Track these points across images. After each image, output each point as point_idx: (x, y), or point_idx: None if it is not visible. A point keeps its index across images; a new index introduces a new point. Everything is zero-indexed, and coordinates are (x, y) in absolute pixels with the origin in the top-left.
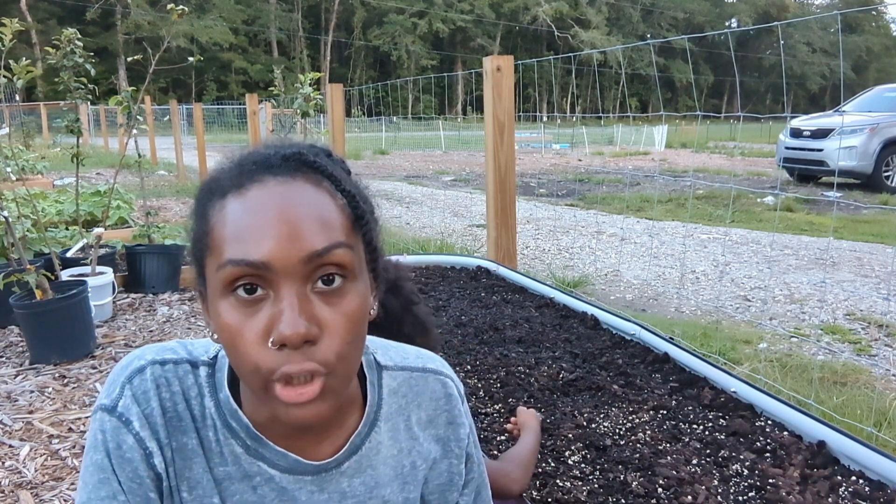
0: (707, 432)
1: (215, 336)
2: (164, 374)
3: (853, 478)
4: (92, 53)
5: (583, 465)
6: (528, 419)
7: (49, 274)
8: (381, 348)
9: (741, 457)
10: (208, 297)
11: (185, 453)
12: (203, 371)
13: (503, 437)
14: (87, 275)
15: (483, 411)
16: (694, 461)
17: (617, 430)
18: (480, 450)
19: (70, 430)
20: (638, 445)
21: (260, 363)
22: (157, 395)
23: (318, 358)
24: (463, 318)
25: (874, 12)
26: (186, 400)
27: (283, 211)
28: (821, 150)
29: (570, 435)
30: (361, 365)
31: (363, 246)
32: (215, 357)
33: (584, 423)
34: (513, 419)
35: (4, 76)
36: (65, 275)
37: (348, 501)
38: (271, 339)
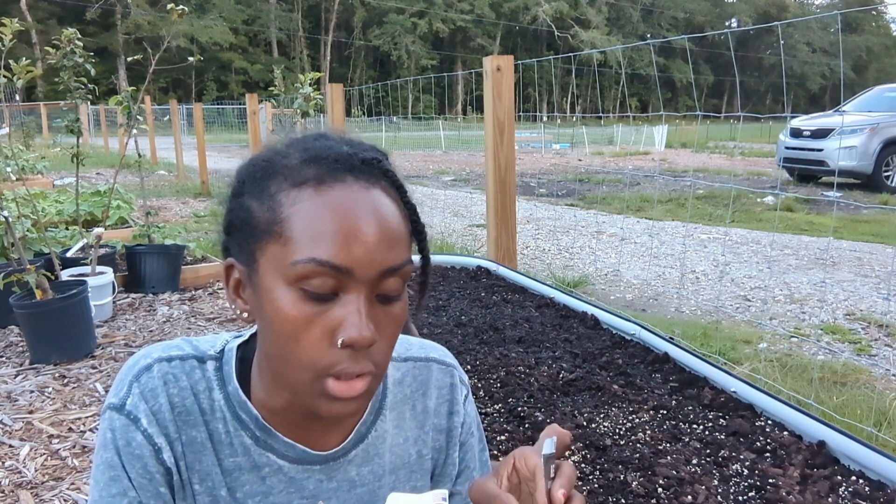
0: (707, 432)
1: (246, 315)
2: (171, 371)
3: (853, 478)
4: (92, 53)
5: (583, 465)
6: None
7: (49, 274)
8: None
9: (741, 457)
10: (259, 280)
11: (194, 446)
12: (210, 365)
13: (503, 437)
14: (87, 275)
15: (483, 411)
16: (694, 461)
17: (617, 430)
18: (485, 443)
19: (70, 429)
20: (638, 445)
21: (321, 359)
22: (165, 391)
23: (373, 359)
24: (463, 318)
25: (874, 12)
26: (195, 394)
27: (369, 220)
28: (821, 150)
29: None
30: None
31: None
32: (222, 351)
33: (584, 423)
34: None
35: (4, 76)
36: (65, 275)
37: (357, 490)
38: (340, 340)
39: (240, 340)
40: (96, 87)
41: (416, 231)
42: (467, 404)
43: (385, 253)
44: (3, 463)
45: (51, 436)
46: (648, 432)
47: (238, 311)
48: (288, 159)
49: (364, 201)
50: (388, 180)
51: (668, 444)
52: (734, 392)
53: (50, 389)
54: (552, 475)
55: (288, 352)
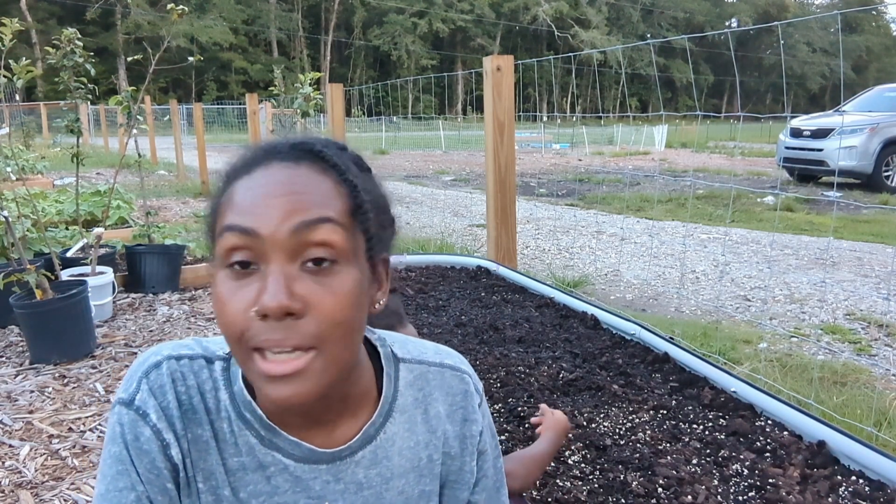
0: (707, 432)
1: None
2: (179, 369)
3: (853, 478)
4: (92, 53)
5: (583, 465)
6: (553, 424)
7: (49, 274)
8: (399, 342)
9: (741, 457)
10: (214, 274)
11: (199, 445)
12: (218, 365)
13: (503, 437)
14: (87, 275)
15: None
16: (694, 461)
17: (617, 430)
18: (499, 450)
19: (70, 429)
20: (638, 445)
21: (242, 330)
22: (173, 388)
23: (301, 332)
24: (463, 318)
25: (874, 12)
26: (201, 393)
27: (279, 187)
28: (821, 150)
29: (570, 435)
30: (379, 357)
31: (361, 234)
32: (230, 352)
33: (584, 423)
34: (537, 417)
35: (4, 76)
36: (65, 275)
37: (364, 492)
38: (254, 309)
39: None
40: (96, 87)
41: (356, 206)
42: (482, 411)
43: (294, 212)
44: (3, 463)
45: (51, 436)
46: (648, 432)
47: None
48: (236, 163)
49: (280, 175)
50: (320, 160)
51: (668, 444)
52: (734, 392)
53: (50, 389)
54: None
55: (222, 329)
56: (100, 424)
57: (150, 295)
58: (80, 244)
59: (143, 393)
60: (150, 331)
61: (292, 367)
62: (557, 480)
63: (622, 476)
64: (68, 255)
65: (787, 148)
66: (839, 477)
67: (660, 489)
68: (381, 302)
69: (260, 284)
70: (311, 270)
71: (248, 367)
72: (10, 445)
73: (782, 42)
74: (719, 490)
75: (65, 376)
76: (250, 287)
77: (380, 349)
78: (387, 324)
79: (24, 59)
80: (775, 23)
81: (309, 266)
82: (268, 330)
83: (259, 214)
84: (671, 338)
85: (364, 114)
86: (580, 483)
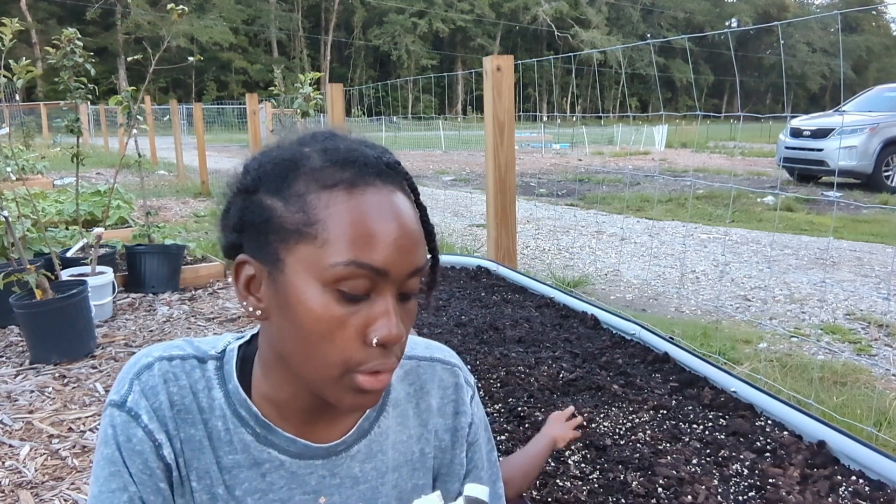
0: (707, 432)
1: (258, 312)
2: (171, 370)
3: (853, 478)
4: (92, 53)
5: (583, 465)
6: (549, 429)
7: (49, 274)
8: None
9: (741, 457)
10: (286, 279)
11: (192, 444)
12: (211, 365)
13: (503, 437)
14: (87, 275)
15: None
16: (694, 461)
17: (617, 430)
18: (493, 444)
19: (70, 429)
20: (638, 445)
21: (353, 356)
22: (166, 389)
23: (397, 355)
24: (463, 317)
25: (874, 12)
26: (193, 393)
27: (401, 223)
28: (821, 150)
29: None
30: None
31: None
32: (223, 351)
33: (584, 423)
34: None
35: (4, 76)
36: (65, 275)
37: (360, 486)
38: (375, 339)
39: (241, 341)
40: (96, 87)
41: (427, 231)
42: (474, 405)
43: (413, 254)
44: (3, 463)
45: (51, 436)
46: (648, 432)
47: (250, 308)
48: (311, 160)
49: (393, 205)
50: (406, 183)
51: (668, 444)
52: (734, 392)
53: (50, 389)
54: None
55: (318, 350)
56: (99, 425)
57: (150, 295)
58: (80, 244)
59: (134, 394)
60: (150, 331)
61: (385, 381)
62: (557, 480)
63: (622, 476)
64: (68, 255)
65: (787, 148)
66: (839, 477)
67: (660, 489)
68: None
69: (369, 312)
70: (403, 299)
71: (339, 382)
72: (10, 445)
73: (782, 42)
74: (719, 490)
75: (65, 376)
76: (362, 314)
77: None
78: None
79: (24, 59)
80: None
81: (404, 297)
82: (380, 356)
83: (391, 256)
84: (671, 338)
85: (364, 114)
86: (580, 483)
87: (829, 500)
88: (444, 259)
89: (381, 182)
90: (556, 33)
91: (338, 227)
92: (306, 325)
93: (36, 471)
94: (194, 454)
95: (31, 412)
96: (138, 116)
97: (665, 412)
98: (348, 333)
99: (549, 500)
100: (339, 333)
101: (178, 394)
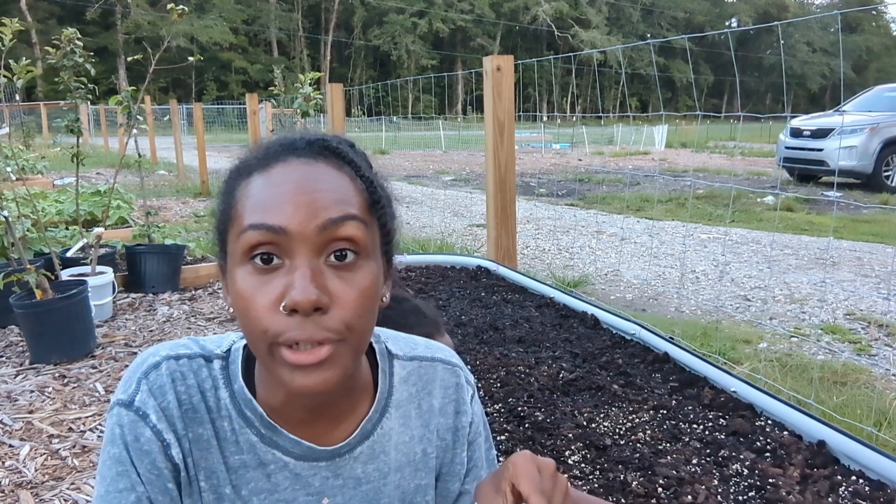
0: (707, 432)
1: (231, 310)
2: (178, 369)
3: (853, 478)
4: (92, 53)
5: (583, 465)
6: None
7: (49, 274)
8: (392, 338)
9: (741, 457)
10: (228, 269)
11: (200, 444)
12: (217, 364)
13: (503, 437)
14: (87, 274)
15: (483, 411)
16: (694, 461)
17: (617, 430)
18: (492, 442)
19: (70, 429)
20: (638, 445)
21: (269, 327)
22: (173, 388)
23: (327, 326)
24: (463, 317)
25: (874, 12)
26: (201, 392)
27: (303, 184)
28: (821, 150)
29: (570, 435)
30: (374, 353)
31: (378, 229)
32: (228, 350)
33: (584, 423)
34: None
35: (4, 76)
36: (65, 274)
37: (363, 487)
38: (283, 304)
39: (245, 340)
40: (96, 87)
41: (374, 202)
42: (474, 404)
43: (321, 210)
44: (3, 463)
45: (51, 436)
46: (648, 432)
47: (228, 308)
48: (248, 158)
49: (301, 171)
50: (336, 156)
51: (668, 444)
52: (734, 392)
53: (50, 389)
54: None
55: (245, 325)
56: (100, 424)
57: (150, 295)
58: (80, 244)
59: (142, 394)
60: (150, 331)
61: (319, 355)
62: None
63: (622, 476)
64: (68, 255)
65: (787, 148)
66: (839, 477)
67: (660, 489)
68: (387, 297)
69: (286, 280)
70: (334, 265)
71: (272, 359)
72: (10, 445)
73: (782, 42)
74: (719, 490)
75: (65, 376)
76: (275, 283)
77: (374, 345)
78: (426, 332)
79: (24, 59)
80: (775, 23)
81: (332, 261)
82: (296, 325)
83: (286, 212)
84: (671, 338)
85: (364, 114)
86: (580, 483)
87: (829, 500)
88: (444, 259)
89: (294, 157)
90: (556, 33)
91: (243, 203)
92: (237, 305)
93: (36, 471)
94: (202, 454)
95: (31, 412)
96: (138, 116)
97: (665, 412)
98: (262, 302)
99: None
100: (254, 304)
101: (186, 393)
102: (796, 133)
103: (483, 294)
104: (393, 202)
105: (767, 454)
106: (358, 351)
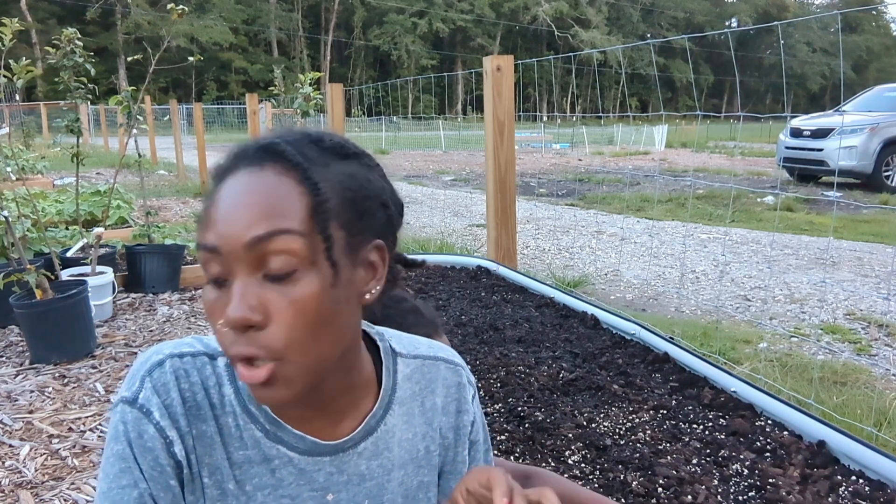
0: (707, 432)
1: None
2: (182, 367)
3: (853, 478)
4: (92, 53)
5: (583, 465)
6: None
7: (49, 274)
8: (395, 337)
9: (741, 457)
10: None
11: (204, 440)
12: (221, 361)
13: (503, 437)
14: (87, 274)
15: (483, 411)
16: (694, 461)
17: (617, 430)
18: (489, 443)
19: (70, 429)
20: (638, 445)
21: (222, 341)
22: (177, 386)
23: (261, 343)
24: (463, 317)
25: (874, 12)
26: (205, 389)
27: (238, 198)
28: (821, 150)
29: (570, 435)
30: (378, 350)
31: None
32: None
33: (584, 423)
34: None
35: (4, 76)
36: (65, 274)
37: (367, 483)
38: (220, 322)
39: None
40: (96, 87)
41: (317, 205)
42: (475, 403)
43: (247, 227)
44: (3, 463)
45: (51, 436)
46: (648, 432)
47: None
48: (214, 168)
49: (241, 183)
50: (283, 160)
51: (668, 444)
52: (734, 392)
53: (50, 389)
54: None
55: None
56: (100, 424)
57: (150, 295)
58: (80, 244)
59: (146, 391)
60: (150, 331)
61: (259, 376)
62: None
63: (622, 476)
64: (68, 255)
65: (787, 148)
66: (839, 477)
67: (660, 489)
68: (376, 290)
69: (228, 296)
70: (272, 280)
71: (236, 371)
72: (10, 445)
73: (782, 42)
74: (719, 490)
75: (65, 376)
76: (223, 300)
77: (379, 343)
78: (425, 333)
79: (24, 59)
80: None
81: (270, 276)
82: (235, 342)
83: (220, 231)
84: (671, 338)
85: (364, 114)
86: (580, 483)
87: (829, 500)
88: (444, 259)
89: (243, 166)
90: (556, 33)
91: (201, 221)
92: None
93: (36, 471)
94: (206, 450)
95: (31, 412)
96: (138, 116)
97: (665, 412)
98: (217, 318)
99: None
100: (214, 319)
101: (190, 390)
102: (796, 133)
103: (483, 294)
104: (384, 188)
105: (767, 454)
106: (309, 365)
